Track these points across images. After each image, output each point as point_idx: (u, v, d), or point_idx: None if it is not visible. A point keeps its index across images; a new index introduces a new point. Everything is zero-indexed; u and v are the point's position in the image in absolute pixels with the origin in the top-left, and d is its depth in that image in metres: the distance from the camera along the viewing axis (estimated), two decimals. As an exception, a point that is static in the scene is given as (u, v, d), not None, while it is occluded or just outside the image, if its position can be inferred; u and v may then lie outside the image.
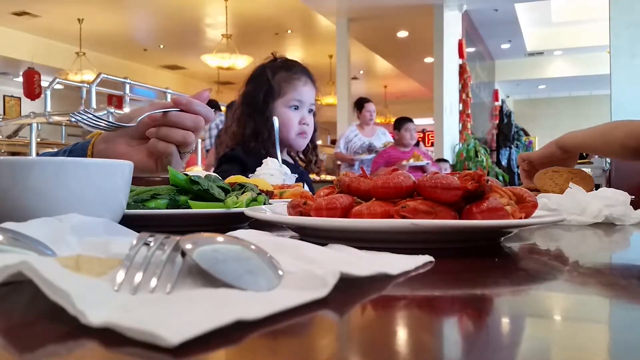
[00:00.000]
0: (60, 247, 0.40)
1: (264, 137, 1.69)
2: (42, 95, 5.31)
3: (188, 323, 0.23)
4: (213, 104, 5.24)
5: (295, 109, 1.73)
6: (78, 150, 0.86)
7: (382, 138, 5.25)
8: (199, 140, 6.58)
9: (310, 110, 1.77)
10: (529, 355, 0.24)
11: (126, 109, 5.20)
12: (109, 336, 0.24)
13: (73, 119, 0.75)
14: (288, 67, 1.75)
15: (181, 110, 0.79)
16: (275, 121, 1.91)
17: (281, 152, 1.76)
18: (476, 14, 7.93)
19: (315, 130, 1.84)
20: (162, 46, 10.53)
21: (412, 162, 4.66)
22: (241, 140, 1.74)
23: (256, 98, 1.72)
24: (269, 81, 1.72)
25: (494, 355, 0.24)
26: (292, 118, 1.73)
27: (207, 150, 4.95)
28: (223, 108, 5.91)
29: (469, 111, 7.63)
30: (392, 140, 5.23)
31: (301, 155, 1.88)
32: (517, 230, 0.68)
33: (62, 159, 0.55)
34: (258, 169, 1.64)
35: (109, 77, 4.96)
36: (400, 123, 4.96)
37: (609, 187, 1.14)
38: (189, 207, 0.75)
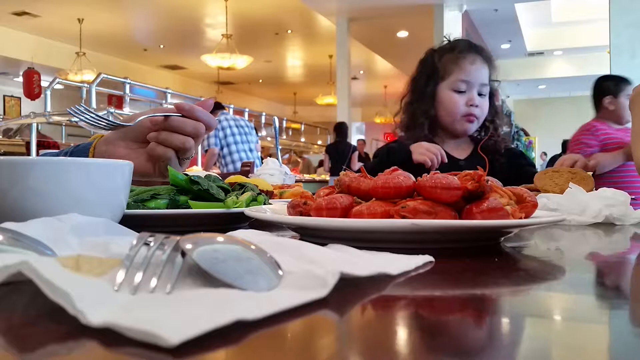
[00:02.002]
0: (60, 247, 0.40)
1: (421, 122, 1.54)
2: (42, 95, 5.31)
3: (188, 323, 0.23)
4: (215, 104, 5.21)
5: (460, 92, 1.53)
6: (80, 152, 0.86)
7: None
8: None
9: (481, 94, 1.55)
10: (529, 355, 0.24)
11: (126, 109, 5.21)
12: (109, 336, 0.24)
13: (73, 118, 0.75)
14: (453, 47, 1.59)
15: (183, 116, 0.79)
16: (276, 121, 1.88)
17: (446, 138, 1.60)
18: (476, 14, 7.93)
19: (496, 113, 1.60)
20: (162, 46, 10.53)
21: None
22: (404, 128, 1.62)
23: (420, 82, 1.59)
24: (434, 64, 1.58)
25: (494, 355, 0.24)
26: (457, 101, 1.53)
27: (206, 151, 4.93)
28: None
29: (469, 111, 7.62)
30: None
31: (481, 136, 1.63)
32: (517, 230, 0.69)
33: (62, 159, 0.55)
34: (258, 169, 1.64)
35: (109, 77, 4.97)
36: (618, 85, 2.82)
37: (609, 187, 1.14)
38: (189, 207, 0.75)
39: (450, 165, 1.45)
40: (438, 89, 1.55)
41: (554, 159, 6.56)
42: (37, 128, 4.58)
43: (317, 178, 7.27)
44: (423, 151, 1.43)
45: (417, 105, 1.57)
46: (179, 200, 0.76)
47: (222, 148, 4.80)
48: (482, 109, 1.54)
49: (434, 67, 1.57)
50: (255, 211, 0.65)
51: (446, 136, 1.60)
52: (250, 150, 4.94)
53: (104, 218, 0.49)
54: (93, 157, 0.84)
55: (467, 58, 1.55)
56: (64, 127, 6.60)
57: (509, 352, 0.25)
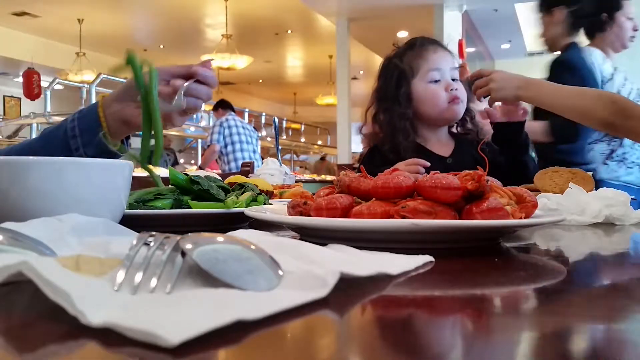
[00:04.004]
0: (60, 247, 0.40)
1: (402, 126, 1.48)
2: (42, 96, 5.32)
3: (188, 323, 0.23)
4: (226, 104, 5.21)
5: (436, 82, 1.49)
6: (85, 118, 0.91)
7: None
8: (199, 139, 6.59)
9: (454, 79, 1.50)
10: (529, 355, 0.24)
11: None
12: (109, 336, 0.24)
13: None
14: (412, 45, 1.56)
15: (197, 81, 0.88)
16: (276, 121, 1.87)
17: (429, 136, 1.53)
18: (476, 14, 7.93)
19: (468, 100, 1.53)
20: (162, 46, 10.53)
21: None
22: (380, 138, 1.55)
23: (389, 88, 1.53)
24: (398, 67, 1.54)
25: (494, 355, 0.24)
26: (436, 90, 1.48)
27: (208, 146, 4.94)
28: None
29: (469, 111, 7.61)
30: None
31: (459, 129, 1.58)
32: (517, 230, 0.68)
33: (62, 159, 0.55)
34: (258, 169, 1.64)
35: (109, 77, 4.96)
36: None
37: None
38: (189, 207, 0.75)
39: (438, 163, 1.43)
40: (412, 87, 1.51)
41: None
42: (37, 128, 4.58)
43: (317, 178, 7.27)
44: (408, 169, 1.41)
45: (393, 110, 1.52)
46: (183, 200, 0.76)
47: (225, 146, 4.82)
48: (461, 91, 1.49)
49: (400, 70, 1.54)
50: (255, 211, 0.65)
51: (429, 134, 1.55)
52: (254, 151, 4.97)
53: (104, 218, 0.49)
54: (105, 117, 0.89)
55: (429, 49, 1.53)
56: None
57: (509, 352, 0.25)
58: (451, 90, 1.46)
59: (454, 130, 1.59)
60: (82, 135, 0.89)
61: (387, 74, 1.56)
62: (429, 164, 1.37)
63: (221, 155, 4.87)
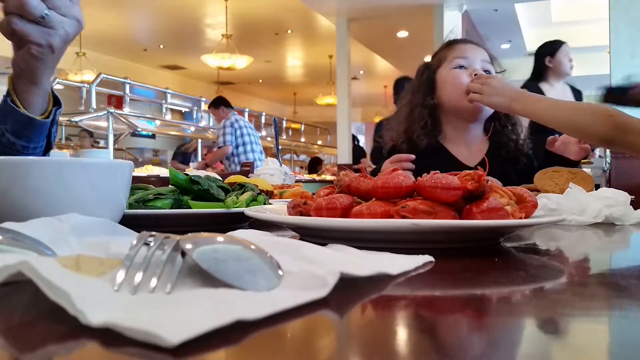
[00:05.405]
0: (60, 247, 0.40)
1: (418, 112, 1.41)
2: (42, 95, 5.30)
3: (188, 323, 0.23)
4: (225, 102, 5.21)
5: (461, 67, 1.39)
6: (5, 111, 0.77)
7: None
8: (198, 140, 6.60)
9: (485, 70, 1.40)
10: (529, 355, 0.24)
11: (126, 109, 5.22)
12: (109, 336, 0.24)
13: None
14: (445, 45, 1.51)
15: None
16: (276, 121, 1.87)
17: (459, 131, 1.44)
18: (476, 14, 7.93)
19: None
20: (162, 46, 10.53)
21: None
22: (398, 135, 1.48)
23: (417, 82, 1.48)
24: (428, 64, 1.48)
25: (494, 355, 0.24)
26: (459, 74, 1.38)
27: (219, 147, 4.95)
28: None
29: (469, 111, 7.60)
30: None
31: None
32: (517, 230, 0.68)
33: (62, 159, 0.55)
34: (258, 169, 1.64)
35: (109, 77, 4.97)
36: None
37: (609, 187, 1.14)
38: (189, 207, 0.75)
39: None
40: (436, 76, 1.44)
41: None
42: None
43: (317, 178, 7.28)
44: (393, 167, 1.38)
45: (414, 100, 1.45)
46: (182, 200, 0.76)
47: (236, 147, 4.84)
48: None
49: (427, 65, 1.49)
50: (255, 211, 0.65)
51: (454, 134, 1.45)
52: (261, 152, 5.00)
53: (104, 218, 0.49)
54: (16, 93, 0.77)
55: (460, 42, 1.49)
56: (64, 128, 6.60)
57: (509, 352, 0.25)
58: (475, 75, 1.37)
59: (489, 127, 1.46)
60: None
61: (419, 72, 1.51)
62: (413, 156, 1.31)
63: (230, 156, 4.89)
